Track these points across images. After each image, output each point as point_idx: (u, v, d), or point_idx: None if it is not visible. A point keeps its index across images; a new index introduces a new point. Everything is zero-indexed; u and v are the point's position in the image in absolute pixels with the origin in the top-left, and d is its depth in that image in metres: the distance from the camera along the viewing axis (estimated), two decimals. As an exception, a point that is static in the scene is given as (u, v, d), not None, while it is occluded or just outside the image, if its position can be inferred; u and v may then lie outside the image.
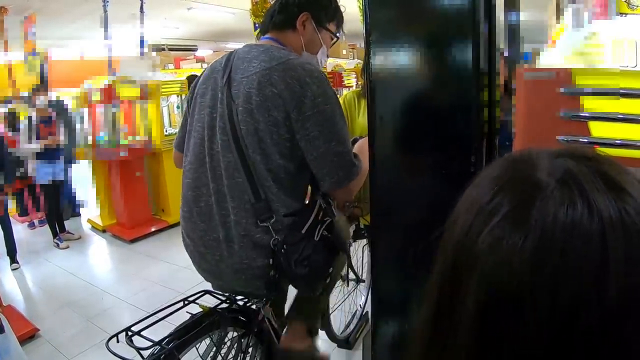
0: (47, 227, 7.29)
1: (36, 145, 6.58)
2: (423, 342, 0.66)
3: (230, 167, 1.95)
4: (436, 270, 0.67)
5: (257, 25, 6.09)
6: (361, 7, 6.02)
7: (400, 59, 1.51)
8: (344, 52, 11.23)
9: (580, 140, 1.14)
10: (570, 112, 1.15)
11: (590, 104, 1.14)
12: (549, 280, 0.53)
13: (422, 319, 0.67)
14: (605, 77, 1.15)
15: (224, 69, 2.03)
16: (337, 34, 2.32)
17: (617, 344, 0.52)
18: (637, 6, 5.99)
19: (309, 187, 2.17)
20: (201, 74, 2.21)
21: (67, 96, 8.29)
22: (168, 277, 5.31)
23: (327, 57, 2.35)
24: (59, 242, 6.81)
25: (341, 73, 8.54)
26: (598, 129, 1.14)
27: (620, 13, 5.99)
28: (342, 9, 2.31)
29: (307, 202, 2.11)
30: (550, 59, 1.42)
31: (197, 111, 2.11)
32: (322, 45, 2.24)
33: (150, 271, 5.67)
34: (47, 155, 6.64)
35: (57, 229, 6.90)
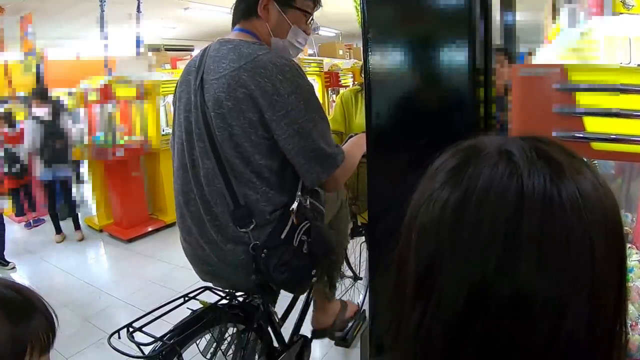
0: (42, 227, 7.32)
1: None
2: (389, 299, 0.71)
3: (209, 174, 1.93)
4: (399, 230, 0.72)
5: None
6: (358, 8, 6.05)
7: (397, 57, 1.54)
8: (341, 52, 11.27)
9: (575, 135, 1.17)
10: (564, 108, 1.17)
11: (585, 100, 1.16)
12: (466, 229, 0.58)
13: (388, 275, 0.72)
14: (599, 73, 1.18)
15: (197, 70, 1.98)
16: (310, 9, 2.11)
17: (527, 306, 0.56)
18: (633, 6, 6.02)
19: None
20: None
21: (64, 96, 8.31)
22: (165, 277, 5.32)
23: (307, 34, 2.14)
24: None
25: (338, 73, 8.57)
26: (592, 124, 1.16)
27: (616, 13, 6.02)
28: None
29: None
30: (545, 55, 1.44)
31: (176, 115, 2.11)
32: (291, 26, 2.05)
33: (147, 270, 5.68)
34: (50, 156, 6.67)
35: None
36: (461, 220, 0.59)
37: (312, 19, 2.13)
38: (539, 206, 0.56)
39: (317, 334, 2.76)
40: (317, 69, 8.17)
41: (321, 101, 7.96)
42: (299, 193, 2.00)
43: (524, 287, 0.55)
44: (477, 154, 0.63)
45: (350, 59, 11.43)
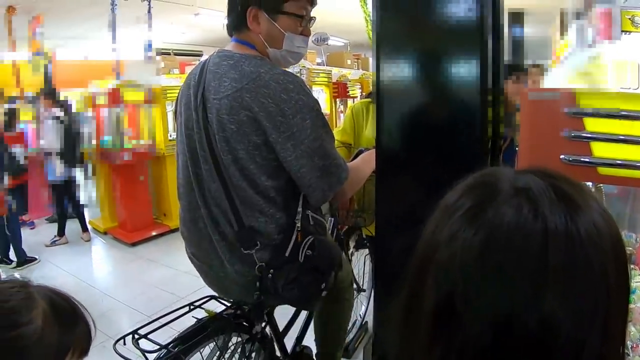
0: (40, 228, 7.40)
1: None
2: (399, 326, 0.73)
3: (216, 196, 1.91)
4: (410, 264, 0.74)
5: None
6: (368, 18, 6.08)
7: (408, 72, 1.55)
8: (349, 62, 11.27)
9: (582, 159, 1.18)
10: (572, 132, 1.19)
11: (593, 125, 1.18)
12: (493, 269, 0.61)
13: (399, 306, 0.74)
14: (607, 99, 1.19)
15: (197, 85, 1.92)
16: (303, 11, 1.96)
17: (552, 339, 0.58)
18: (642, 24, 5.90)
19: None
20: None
21: (73, 96, 8.36)
22: (168, 281, 5.33)
23: (307, 34, 2.03)
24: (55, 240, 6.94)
25: (346, 84, 8.57)
26: (600, 149, 1.18)
27: (625, 31, 5.99)
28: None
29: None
30: (554, 79, 1.45)
31: (178, 130, 2.09)
32: (285, 34, 1.93)
33: (150, 275, 5.69)
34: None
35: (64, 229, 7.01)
36: (488, 260, 0.61)
37: (312, 18, 2.03)
38: (562, 243, 0.59)
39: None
40: (326, 79, 8.18)
41: (329, 112, 8.03)
42: (300, 210, 1.96)
43: (549, 319, 0.58)
44: (493, 193, 0.66)
45: (358, 69, 11.44)
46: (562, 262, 0.58)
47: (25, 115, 7.33)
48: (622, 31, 5.89)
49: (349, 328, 3.47)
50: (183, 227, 2.14)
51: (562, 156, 1.21)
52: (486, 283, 0.61)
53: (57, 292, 1.16)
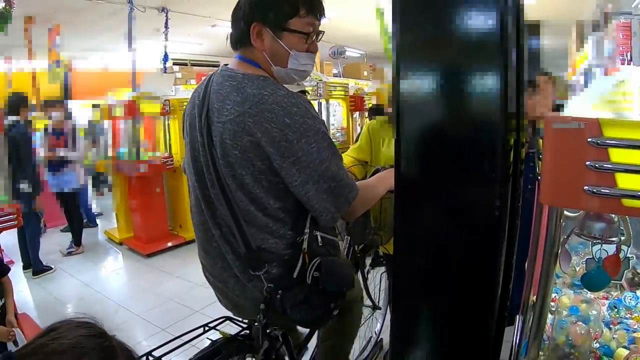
0: (58, 235, 7.45)
1: (40, 157, 6.77)
2: None
3: (226, 218, 1.88)
4: None
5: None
6: (383, 30, 6.07)
7: (428, 90, 1.51)
8: (365, 73, 11.27)
9: (606, 191, 1.16)
10: (597, 163, 1.16)
11: (618, 155, 1.15)
12: None
13: None
14: (633, 128, 1.17)
15: (201, 106, 1.89)
16: (310, 29, 1.90)
17: None
18: (662, 36, 5.84)
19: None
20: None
21: (88, 107, 8.46)
22: (183, 294, 5.33)
23: (313, 51, 1.97)
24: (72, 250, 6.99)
25: (362, 97, 8.54)
26: (625, 181, 1.15)
27: (645, 43, 5.84)
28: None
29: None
30: (578, 105, 1.43)
31: (185, 150, 2.07)
32: (291, 52, 1.88)
33: (165, 287, 5.69)
34: (54, 166, 6.84)
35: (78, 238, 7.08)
36: None
37: (320, 33, 1.97)
38: None
39: None
40: (342, 93, 8.18)
41: (345, 125, 8.02)
42: (307, 230, 1.92)
43: None
44: None
45: (374, 79, 11.42)
46: None
47: (39, 124, 7.40)
48: (642, 44, 5.78)
49: (364, 345, 3.46)
50: (199, 248, 2.13)
51: (585, 187, 1.18)
52: None
53: (101, 331, 1.15)
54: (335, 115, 8.02)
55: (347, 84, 8.68)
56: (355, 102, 8.20)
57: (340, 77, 10.49)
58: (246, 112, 1.72)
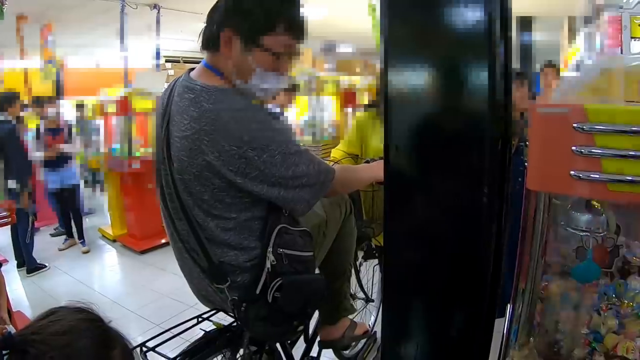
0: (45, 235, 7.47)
1: (40, 154, 6.85)
2: None
3: (185, 233, 1.83)
4: None
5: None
6: (376, 26, 6.09)
7: (415, 83, 1.53)
8: (358, 69, 11.29)
9: (592, 176, 1.17)
10: (582, 148, 1.18)
11: (603, 140, 1.17)
12: None
13: None
14: (618, 113, 1.18)
15: (162, 115, 1.82)
16: (285, 49, 1.79)
17: None
18: (652, 30, 5.89)
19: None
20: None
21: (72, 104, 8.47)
22: (177, 290, 5.32)
23: (283, 72, 1.84)
24: (82, 245, 7.06)
25: (355, 93, 8.54)
26: (610, 166, 1.17)
27: (634, 37, 5.97)
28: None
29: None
30: (562, 93, 1.45)
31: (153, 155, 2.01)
32: (257, 69, 1.76)
33: (159, 283, 5.69)
34: (54, 163, 6.87)
35: (75, 234, 7.14)
36: None
37: (292, 55, 1.85)
38: None
39: (324, 344, 2.71)
40: (334, 89, 8.18)
41: (338, 119, 8.03)
42: (270, 249, 1.81)
43: None
44: None
45: (367, 75, 11.44)
46: None
47: (31, 123, 7.39)
48: (632, 37, 5.85)
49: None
50: (177, 258, 2.12)
51: (572, 172, 1.19)
52: None
53: (96, 317, 1.19)
54: (327, 110, 8.03)
55: (339, 80, 8.69)
56: (347, 98, 8.20)
57: (334, 72, 10.50)
58: (202, 129, 1.64)
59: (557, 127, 1.23)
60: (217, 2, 1.80)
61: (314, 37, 8.72)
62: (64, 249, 7.01)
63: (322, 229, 2.29)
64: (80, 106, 8.28)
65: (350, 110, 8.44)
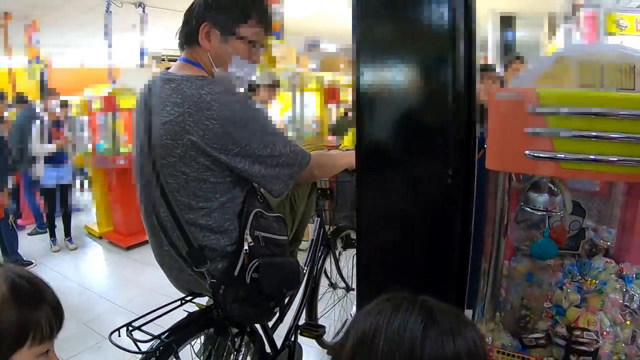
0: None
1: (52, 146, 6.80)
2: None
3: (167, 219, 1.92)
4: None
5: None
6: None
7: (384, 78, 1.63)
8: (342, 66, 11.33)
9: (544, 155, 1.27)
10: (535, 129, 1.28)
11: (554, 122, 1.26)
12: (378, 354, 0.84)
13: None
14: (567, 97, 1.28)
15: (143, 108, 1.94)
16: (257, 37, 1.99)
17: None
18: (626, 27, 6.14)
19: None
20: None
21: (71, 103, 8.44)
22: (163, 284, 5.25)
23: (255, 62, 2.06)
24: (52, 244, 6.99)
25: (338, 89, 8.58)
26: (561, 145, 1.26)
27: (609, 33, 6.12)
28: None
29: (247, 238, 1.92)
30: (522, 81, 1.54)
31: (133, 151, 2.12)
32: (233, 57, 1.95)
33: (145, 278, 5.70)
34: (54, 159, 6.85)
35: (57, 232, 7.09)
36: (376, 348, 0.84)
37: (262, 45, 2.05)
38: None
39: None
40: (317, 85, 8.22)
41: (320, 115, 8.09)
42: (248, 232, 1.91)
43: None
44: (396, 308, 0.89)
45: (350, 72, 11.44)
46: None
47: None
48: (608, 33, 6.00)
49: (339, 328, 3.55)
50: (154, 254, 2.19)
51: (526, 152, 1.29)
52: None
53: (23, 273, 1.14)
54: (310, 107, 8.06)
55: (322, 77, 8.72)
56: (330, 94, 8.23)
57: (317, 70, 10.53)
58: (186, 112, 1.76)
59: (512, 111, 1.33)
60: (193, 3, 1.97)
61: (298, 35, 8.75)
62: (57, 250, 6.98)
63: (294, 205, 2.45)
64: (64, 105, 8.27)
65: (332, 106, 8.47)
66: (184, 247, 1.92)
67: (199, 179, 1.83)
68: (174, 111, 1.79)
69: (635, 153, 1.21)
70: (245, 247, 1.89)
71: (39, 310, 1.11)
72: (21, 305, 1.07)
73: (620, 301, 1.62)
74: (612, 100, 1.24)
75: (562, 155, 1.26)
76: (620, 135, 1.22)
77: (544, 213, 1.50)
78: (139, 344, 1.77)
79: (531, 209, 1.51)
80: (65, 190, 7.07)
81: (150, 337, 1.80)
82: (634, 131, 1.21)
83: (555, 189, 1.49)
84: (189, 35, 1.96)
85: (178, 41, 2.03)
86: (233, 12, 1.92)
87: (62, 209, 7.13)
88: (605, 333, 1.53)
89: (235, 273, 1.91)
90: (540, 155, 1.28)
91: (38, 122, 6.86)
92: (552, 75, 1.43)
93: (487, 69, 5.18)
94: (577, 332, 1.52)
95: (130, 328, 1.83)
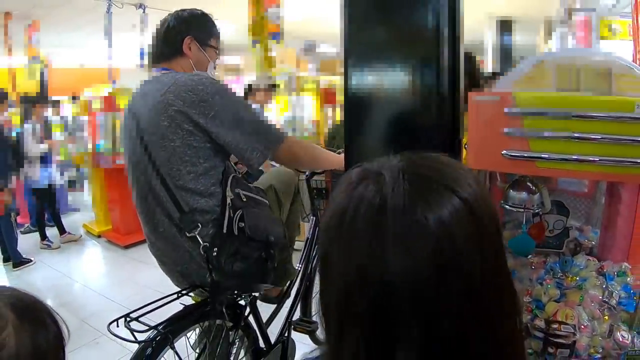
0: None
1: (44, 146, 6.95)
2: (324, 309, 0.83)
3: (159, 189, 2.13)
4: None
5: (255, 42, 6.32)
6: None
7: (372, 82, 1.71)
8: (341, 69, 11.37)
9: (520, 155, 1.34)
10: (512, 130, 1.35)
11: (530, 123, 1.34)
12: (346, 231, 0.74)
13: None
14: (542, 100, 1.36)
15: (130, 109, 2.24)
16: (219, 47, 2.47)
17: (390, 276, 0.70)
18: (619, 32, 6.22)
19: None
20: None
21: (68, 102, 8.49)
22: (160, 282, 5.30)
23: (215, 68, 2.49)
24: (49, 244, 7.06)
25: (335, 91, 8.59)
26: (536, 145, 1.34)
27: (602, 37, 6.20)
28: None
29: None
30: (502, 84, 1.62)
31: (125, 156, 2.34)
32: (210, 61, 2.40)
33: (143, 276, 5.75)
34: (43, 159, 6.94)
35: (49, 232, 7.17)
36: (343, 224, 0.75)
37: (218, 52, 2.46)
38: (399, 215, 0.70)
39: (266, 299, 2.88)
40: (314, 86, 8.25)
41: (317, 117, 8.14)
42: (229, 187, 2.14)
43: (390, 273, 0.70)
44: (365, 175, 0.78)
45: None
46: (398, 231, 0.70)
47: (15, 120, 7.43)
48: (601, 37, 6.06)
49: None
50: (149, 243, 2.39)
51: (503, 152, 1.36)
52: (342, 243, 0.75)
53: (22, 297, 1.06)
54: (307, 108, 8.09)
55: (319, 79, 8.74)
56: (326, 96, 8.25)
57: (316, 72, 10.56)
58: (166, 92, 2.05)
59: (490, 113, 1.40)
60: (165, 22, 2.35)
61: (297, 37, 8.78)
62: (57, 248, 7.05)
63: (279, 195, 2.64)
64: (56, 104, 8.32)
65: (329, 108, 8.49)
66: (175, 213, 2.10)
67: (184, 145, 2.05)
68: (156, 95, 2.07)
69: (603, 152, 1.29)
70: (228, 201, 2.11)
71: (49, 333, 1.06)
72: (34, 339, 1.01)
73: (600, 297, 1.67)
74: (583, 102, 1.32)
75: (537, 155, 1.33)
76: (594, 136, 1.30)
77: (521, 210, 1.56)
78: (136, 334, 1.83)
79: (509, 206, 1.58)
80: (52, 190, 7.14)
81: (147, 328, 1.86)
82: (603, 131, 1.29)
83: (534, 188, 1.55)
84: (172, 50, 2.32)
85: (156, 54, 2.37)
86: (208, 29, 2.40)
87: (49, 208, 7.22)
88: (583, 327, 1.57)
89: (224, 230, 2.09)
90: (517, 154, 1.35)
91: (30, 123, 6.94)
92: (532, 78, 1.50)
93: (493, 77, 5.30)
94: (555, 325, 1.56)
95: (128, 319, 1.88)
